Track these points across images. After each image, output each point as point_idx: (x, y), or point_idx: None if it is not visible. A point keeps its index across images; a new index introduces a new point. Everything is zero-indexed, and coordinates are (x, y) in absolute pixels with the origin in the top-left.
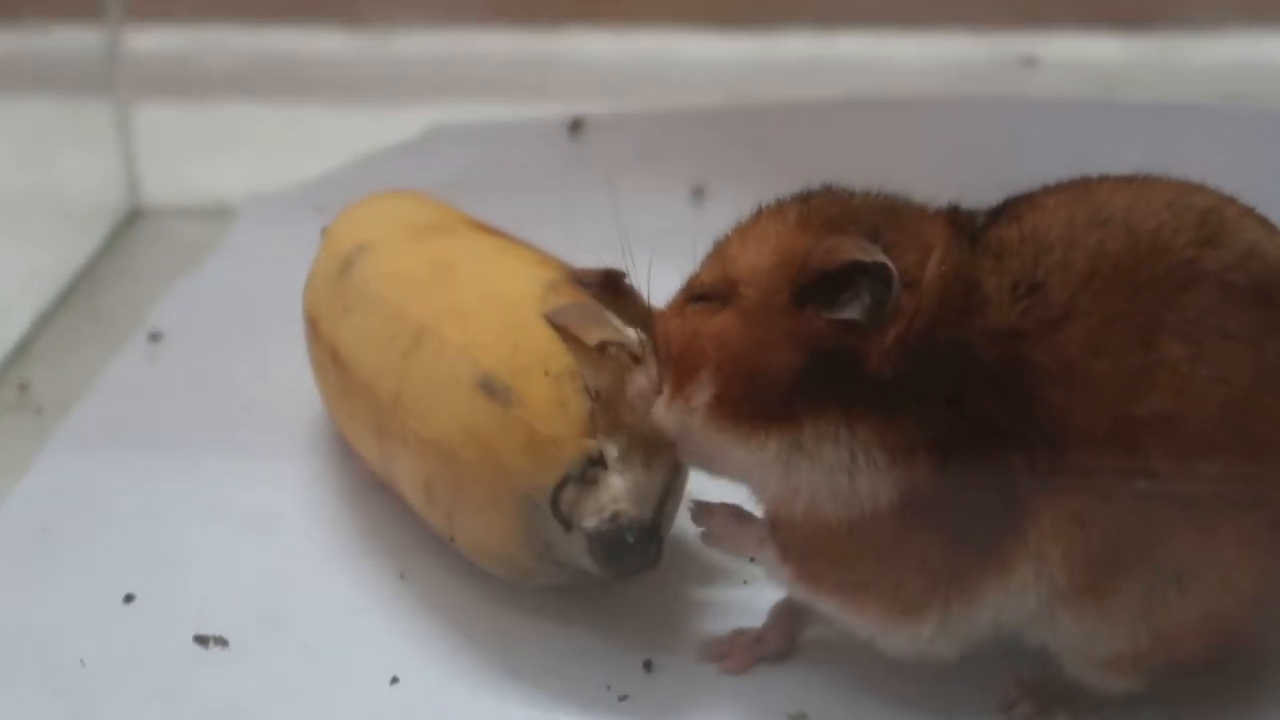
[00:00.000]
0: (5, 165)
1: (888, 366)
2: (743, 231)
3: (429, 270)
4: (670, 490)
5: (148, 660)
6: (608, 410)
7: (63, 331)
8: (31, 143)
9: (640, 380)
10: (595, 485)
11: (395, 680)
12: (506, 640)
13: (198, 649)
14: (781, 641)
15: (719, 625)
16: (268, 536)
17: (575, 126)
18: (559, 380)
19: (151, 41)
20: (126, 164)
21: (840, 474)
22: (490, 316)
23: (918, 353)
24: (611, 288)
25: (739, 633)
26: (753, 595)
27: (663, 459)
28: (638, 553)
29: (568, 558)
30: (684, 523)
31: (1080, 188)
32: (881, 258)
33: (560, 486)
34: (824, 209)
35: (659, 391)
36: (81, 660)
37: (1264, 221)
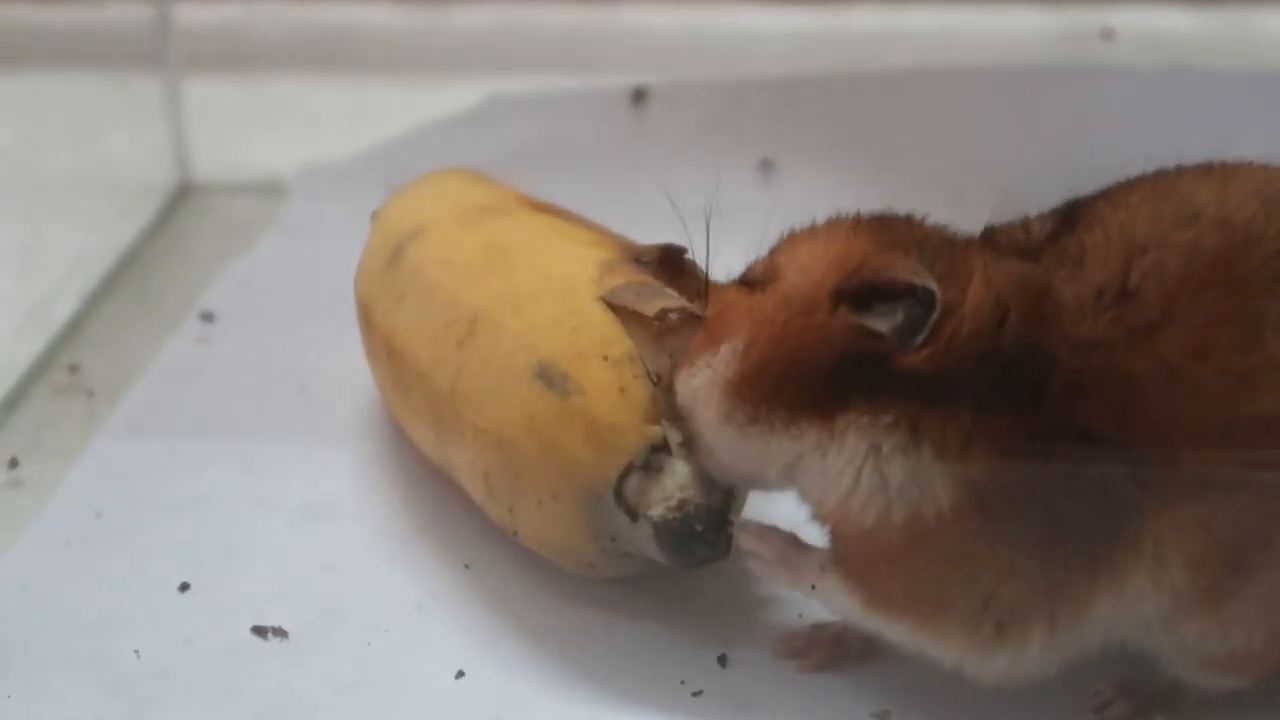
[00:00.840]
0: (53, 142)
1: (923, 369)
2: (812, 229)
3: (482, 255)
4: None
5: (205, 652)
6: (670, 394)
7: (112, 312)
8: (80, 119)
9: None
10: (660, 472)
11: (461, 675)
12: (575, 634)
13: (256, 640)
14: (863, 640)
15: (794, 616)
16: (326, 525)
17: (638, 97)
18: (618, 365)
19: (202, 14)
20: (176, 140)
21: (878, 467)
22: (546, 302)
23: (962, 360)
24: (670, 264)
25: (818, 629)
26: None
27: None
28: (707, 541)
29: (635, 549)
30: (753, 507)
31: (1160, 183)
32: (931, 284)
33: (624, 475)
34: (894, 228)
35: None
36: (136, 651)
37: None
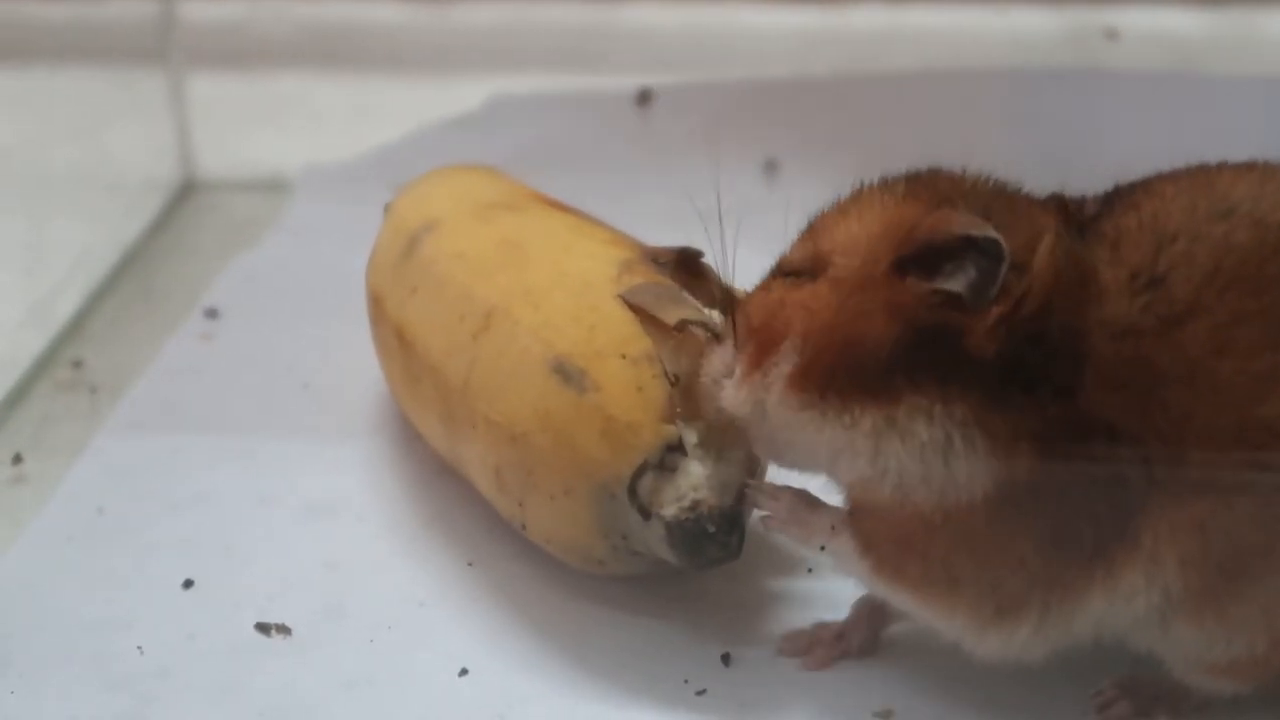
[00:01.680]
0: (57, 138)
1: (990, 347)
2: (841, 207)
3: (498, 249)
4: (751, 477)
5: (207, 648)
6: (686, 395)
7: (116, 308)
8: (84, 115)
9: (715, 362)
10: (674, 473)
11: (464, 672)
12: (579, 632)
13: (259, 637)
14: (865, 638)
15: (798, 617)
16: (330, 522)
17: (643, 98)
18: (636, 364)
19: (206, 11)
20: (180, 136)
21: (935, 456)
22: (563, 298)
23: (1023, 337)
24: (688, 267)
25: (821, 627)
26: (832, 586)
27: (743, 444)
28: (719, 543)
29: (645, 547)
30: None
31: (1200, 175)
32: (993, 233)
33: (638, 474)
34: (934, 184)
35: (732, 373)
36: (139, 648)
37: None
